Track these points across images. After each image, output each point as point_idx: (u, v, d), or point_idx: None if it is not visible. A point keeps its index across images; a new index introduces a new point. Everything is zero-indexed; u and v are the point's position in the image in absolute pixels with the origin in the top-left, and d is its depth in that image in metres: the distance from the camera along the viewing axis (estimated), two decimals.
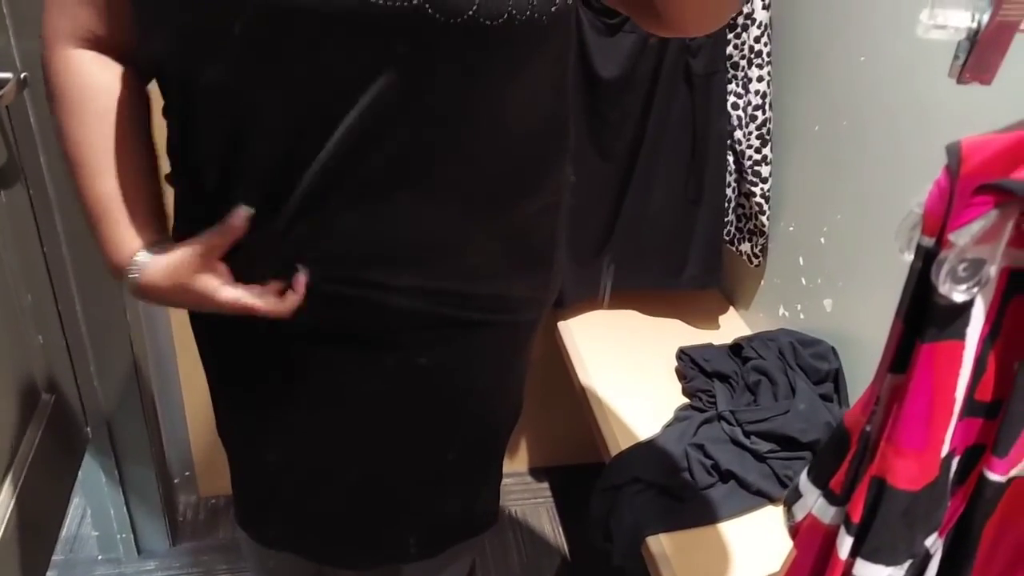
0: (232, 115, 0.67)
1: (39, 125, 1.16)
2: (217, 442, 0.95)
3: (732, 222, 1.38)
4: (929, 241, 0.51)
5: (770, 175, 1.31)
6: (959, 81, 0.47)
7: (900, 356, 0.54)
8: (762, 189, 1.31)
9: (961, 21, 0.46)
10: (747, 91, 1.28)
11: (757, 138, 1.29)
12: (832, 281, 1.26)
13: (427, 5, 0.59)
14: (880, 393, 0.55)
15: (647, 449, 1.22)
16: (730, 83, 1.30)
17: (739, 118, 1.30)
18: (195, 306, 0.75)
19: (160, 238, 0.74)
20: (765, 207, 1.33)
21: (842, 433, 0.59)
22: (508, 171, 0.74)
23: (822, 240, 1.27)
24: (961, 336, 0.50)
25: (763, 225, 1.34)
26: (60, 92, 0.72)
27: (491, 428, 0.98)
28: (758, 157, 1.30)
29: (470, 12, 0.59)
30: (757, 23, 1.24)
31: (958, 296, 0.49)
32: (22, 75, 1.12)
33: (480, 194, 0.73)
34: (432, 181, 0.70)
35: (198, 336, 0.89)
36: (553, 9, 0.63)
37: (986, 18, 0.45)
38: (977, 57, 0.47)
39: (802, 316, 1.33)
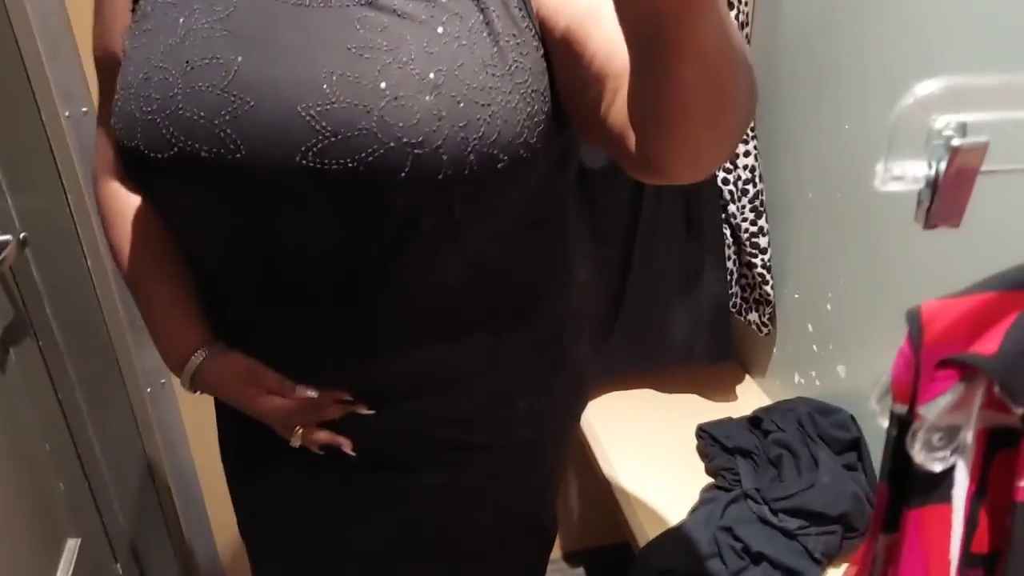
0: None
1: (43, 280, 1.14)
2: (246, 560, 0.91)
3: (737, 293, 1.33)
4: (901, 408, 0.48)
5: (769, 245, 1.27)
6: (926, 227, 0.45)
7: (890, 517, 0.50)
8: (763, 260, 1.27)
9: (918, 170, 0.44)
10: (735, 166, 1.24)
11: (751, 211, 1.25)
12: (843, 347, 1.21)
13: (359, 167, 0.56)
14: (876, 552, 0.51)
15: (676, 537, 1.16)
16: None
17: (731, 192, 1.26)
18: (245, 403, 0.75)
19: (212, 337, 0.75)
20: (768, 276, 1.28)
21: None
22: (483, 307, 0.71)
23: (828, 307, 1.22)
24: (947, 499, 0.47)
25: (768, 294, 1.29)
26: (106, 217, 0.76)
27: (520, 550, 0.92)
28: (754, 229, 1.26)
29: (403, 173, 0.56)
30: None
31: (936, 465, 0.46)
32: (21, 235, 1.10)
33: (460, 330, 0.71)
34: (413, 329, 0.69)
35: (223, 441, 0.87)
36: (499, 165, 0.58)
37: (943, 166, 0.41)
38: (941, 203, 0.44)
39: (818, 383, 1.27)
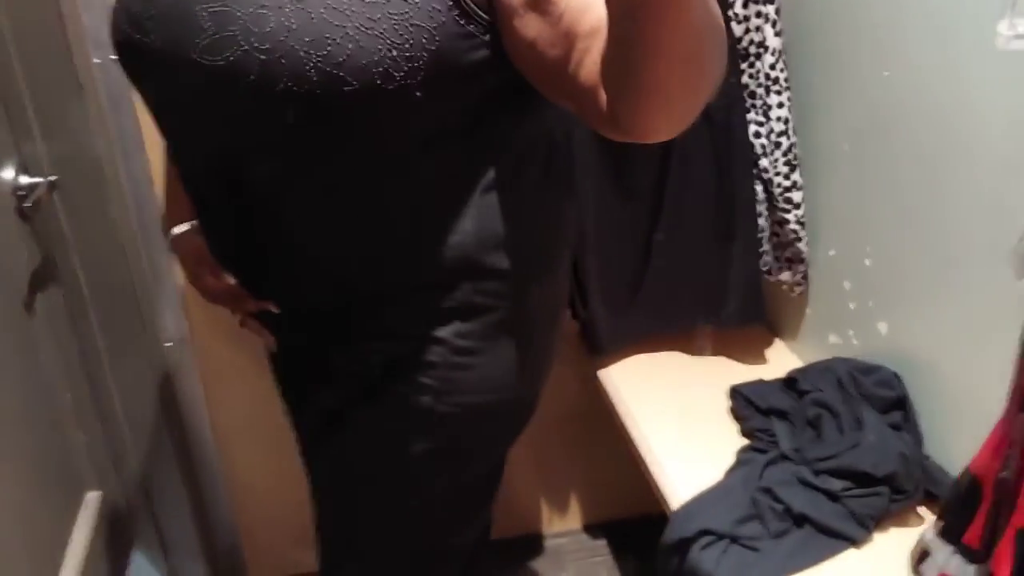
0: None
1: (70, 226, 1.13)
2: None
3: (768, 252, 1.29)
4: None
5: (802, 200, 1.22)
6: None
7: None
8: (796, 216, 1.22)
9: None
10: (768, 119, 1.21)
11: (785, 164, 1.21)
12: (885, 303, 1.15)
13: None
14: (1013, 435, 0.45)
15: (712, 498, 1.10)
16: (749, 112, 1.22)
17: (763, 146, 1.22)
18: (191, 277, 0.94)
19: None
20: (801, 233, 1.23)
21: (970, 482, 0.48)
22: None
23: (867, 262, 1.17)
24: None
25: (801, 252, 1.24)
26: None
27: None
28: (787, 184, 1.22)
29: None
30: (770, 50, 1.17)
31: None
32: (51, 179, 1.09)
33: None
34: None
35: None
36: (346, 88, 0.58)
37: None
38: None
39: (855, 342, 1.22)
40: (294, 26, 0.57)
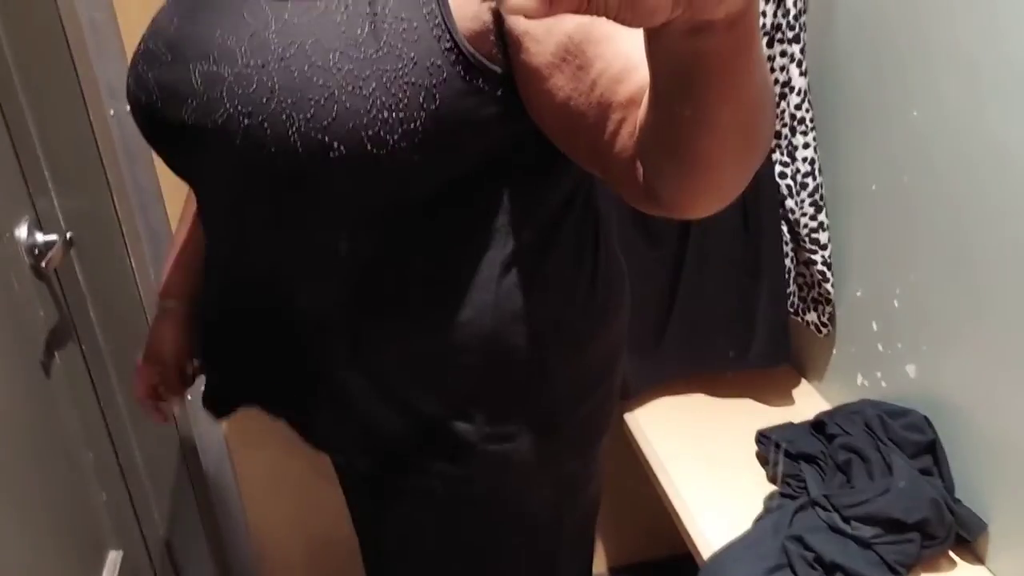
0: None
1: (87, 282, 1.11)
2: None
3: (794, 292, 1.27)
4: None
5: (829, 241, 1.21)
6: None
7: None
8: (823, 256, 1.21)
9: None
10: (794, 159, 1.19)
11: (811, 205, 1.20)
12: (914, 345, 1.14)
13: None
14: None
15: (743, 548, 1.09)
16: (774, 152, 1.21)
17: (789, 187, 1.21)
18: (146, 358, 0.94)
19: (180, 293, 0.89)
20: (828, 274, 1.22)
21: None
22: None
23: (896, 303, 1.15)
24: None
25: (828, 293, 1.23)
26: None
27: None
28: (814, 224, 1.20)
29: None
30: (796, 90, 1.16)
31: None
32: (68, 235, 1.07)
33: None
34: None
35: None
36: (332, 154, 0.53)
37: None
38: None
39: (884, 384, 1.20)
40: (277, 87, 0.53)
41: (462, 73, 0.53)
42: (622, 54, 0.50)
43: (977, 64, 0.95)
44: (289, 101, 0.52)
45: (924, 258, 1.09)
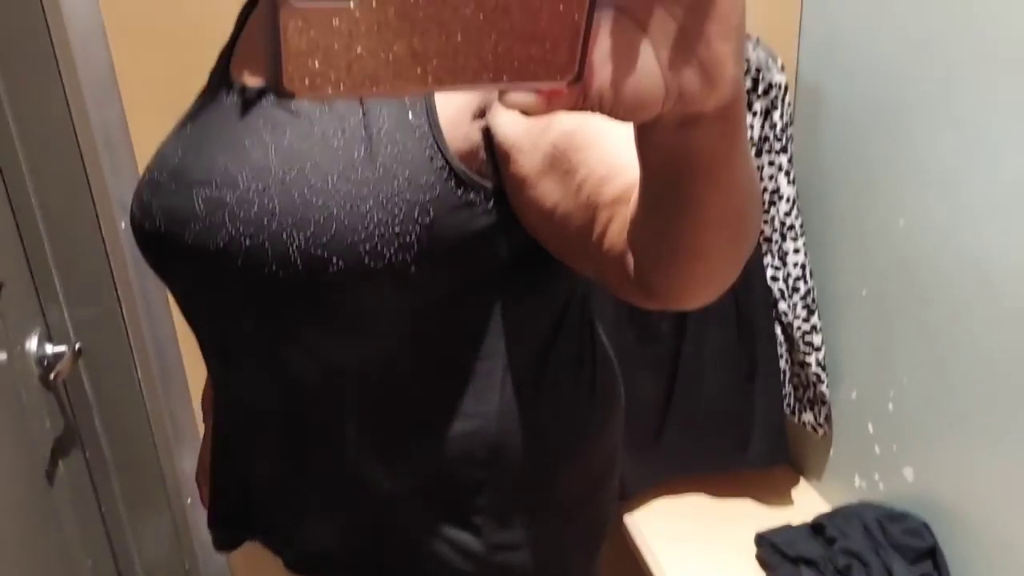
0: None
1: (94, 391, 1.13)
2: None
3: (790, 393, 1.29)
4: None
5: (823, 343, 1.23)
6: None
7: None
8: (816, 358, 1.23)
9: None
10: (785, 264, 1.22)
11: (803, 308, 1.22)
12: (909, 448, 1.15)
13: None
14: None
15: None
16: (766, 256, 1.24)
17: (781, 290, 1.23)
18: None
19: None
20: (823, 375, 1.24)
21: None
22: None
23: (890, 406, 1.17)
24: None
25: (823, 394, 1.24)
26: None
27: None
28: (807, 327, 1.22)
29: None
30: (785, 198, 1.20)
31: None
32: (76, 346, 1.09)
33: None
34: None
35: None
36: (331, 269, 0.56)
37: None
38: None
39: (881, 487, 1.21)
40: (277, 208, 0.56)
41: (454, 189, 0.57)
42: (605, 158, 0.52)
43: (959, 181, 0.98)
44: (290, 221, 0.55)
45: (914, 362, 1.11)
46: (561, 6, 0.28)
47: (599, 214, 0.52)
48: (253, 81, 0.65)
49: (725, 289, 0.50)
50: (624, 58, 0.30)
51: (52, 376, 1.05)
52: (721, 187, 0.40)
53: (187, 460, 1.21)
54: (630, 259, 0.50)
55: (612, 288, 0.54)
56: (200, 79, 0.73)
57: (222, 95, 0.66)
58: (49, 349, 1.07)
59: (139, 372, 1.13)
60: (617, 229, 0.51)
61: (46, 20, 1.08)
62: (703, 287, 0.48)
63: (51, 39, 1.06)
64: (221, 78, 0.69)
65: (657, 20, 0.30)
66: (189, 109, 0.71)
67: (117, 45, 1.11)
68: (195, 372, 1.20)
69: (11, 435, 0.96)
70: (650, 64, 0.31)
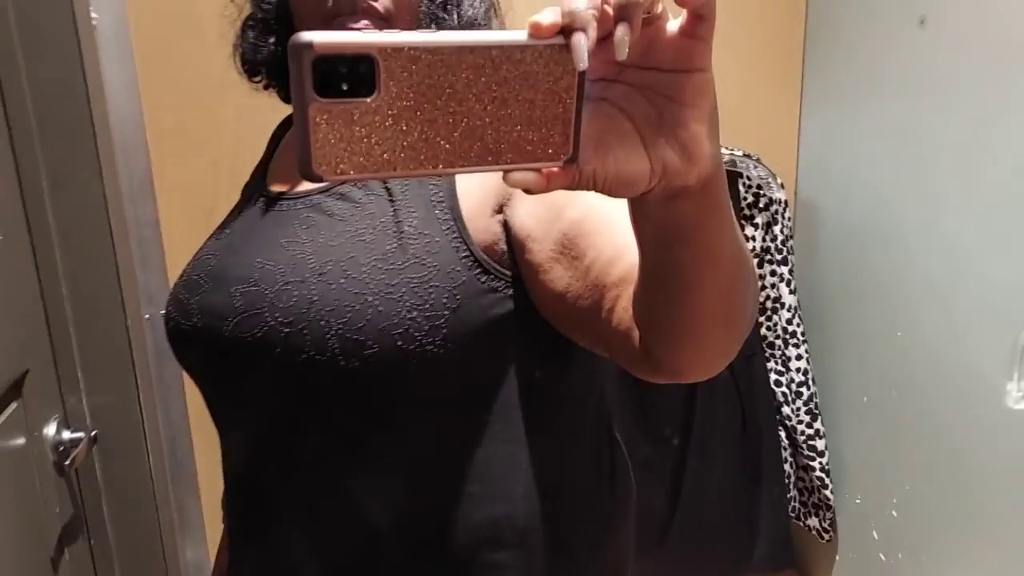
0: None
1: (105, 478, 1.13)
2: None
3: (795, 497, 1.29)
4: None
5: (826, 448, 1.24)
6: None
7: None
8: (820, 463, 1.24)
9: None
10: (787, 369, 1.25)
11: (806, 413, 1.24)
12: (915, 557, 1.15)
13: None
14: None
15: None
16: (769, 361, 1.27)
17: (784, 395, 1.26)
18: None
19: None
20: (827, 480, 1.24)
21: None
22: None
23: (894, 513, 1.17)
24: None
25: (827, 499, 1.25)
26: None
27: None
28: (810, 432, 1.24)
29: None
30: (786, 306, 1.24)
31: None
32: (92, 433, 1.11)
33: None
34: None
35: None
36: (367, 352, 0.59)
37: None
38: None
39: None
40: (315, 298, 0.60)
41: (478, 276, 0.62)
42: (611, 242, 0.56)
43: (948, 296, 1.03)
44: (327, 309, 0.59)
45: (917, 470, 1.12)
46: (553, 97, 0.32)
47: (607, 293, 0.56)
48: (284, 189, 0.70)
49: (725, 363, 0.53)
50: (613, 140, 0.34)
51: (67, 462, 1.06)
52: (709, 254, 0.43)
53: (191, 550, 1.20)
54: (636, 334, 0.53)
55: (622, 363, 0.57)
56: (230, 187, 0.78)
57: (256, 203, 0.71)
58: (66, 435, 1.09)
59: (151, 460, 1.14)
60: (623, 306, 0.55)
61: (93, 123, 1.15)
62: (703, 359, 0.51)
63: (95, 141, 1.14)
64: (255, 189, 0.73)
65: (639, 107, 0.35)
66: (225, 219, 0.75)
67: (156, 150, 1.18)
68: (205, 464, 1.21)
69: (22, 520, 0.97)
70: (635, 145, 0.35)
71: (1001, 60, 0.94)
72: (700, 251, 0.43)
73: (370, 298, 0.59)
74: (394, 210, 0.63)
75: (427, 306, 0.60)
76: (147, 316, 1.17)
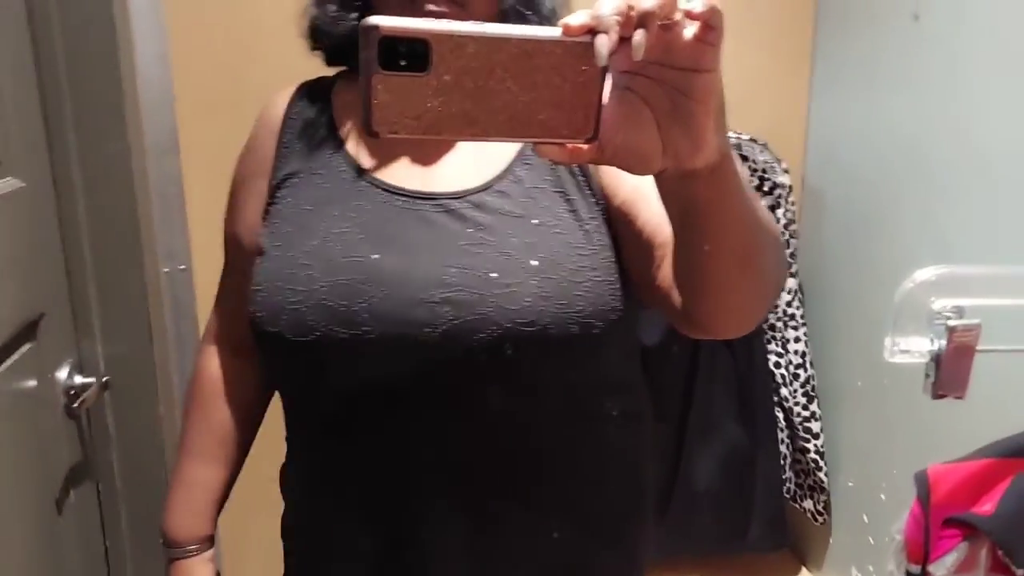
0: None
1: (115, 425, 1.15)
2: None
3: (791, 478, 1.30)
4: (916, 568, 0.49)
5: (821, 431, 1.26)
6: (934, 397, 0.49)
7: None
8: (815, 445, 1.25)
9: (922, 346, 0.50)
10: (786, 351, 1.27)
11: (803, 395, 1.26)
12: None
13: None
14: None
15: None
16: (769, 343, 1.29)
17: (783, 376, 1.28)
18: None
19: (207, 536, 0.82)
20: (821, 463, 1.26)
21: None
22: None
23: (882, 496, 1.18)
24: None
25: (822, 481, 1.26)
26: (193, 382, 0.84)
27: None
28: (806, 414, 1.26)
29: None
30: (787, 288, 1.26)
31: None
32: (104, 379, 1.13)
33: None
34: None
35: None
36: (595, 331, 0.62)
37: (944, 343, 0.47)
38: (945, 375, 0.50)
39: None
40: (549, 294, 0.62)
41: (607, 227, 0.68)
42: (655, 205, 0.60)
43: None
44: (562, 303, 0.62)
45: (903, 455, 1.13)
46: (579, 85, 0.37)
47: (655, 252, 0.63)
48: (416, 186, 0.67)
49: (755, 322, 0.60)
50: (632, 124, 0.40)
51: (76, 404, 1.08)
52: (723, 226, 0.49)
53: None
54: (675, 294, 0.60)
55: (670, 319, 0.64)
56: None
57: (383, 199, 0.67)
58: (78, 380, 1.11)
59: (161, 409, 1.16)
60: (667, 266, 0.61)
61: (120, 80, 1.18)
62: (729, 315, 0.58)
63: (123, 99, 1.17)
64: (349, 173, 0.68)
65: (657, 98, 0.40)
66: (319, 204, 0.67)
67: (183, 110, 1.21)
68: None
69: (28, 459, 0.98)
70: (651, 129, 0.40)
71: (1004, 48, 0.96)
72: (714, 224, 0.48)
73: (588, 284, 0.64)
74: (566, 199, 0.66)
75: (615, 278, 0.65)
76: (166, 270, 1.19)
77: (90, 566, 1.12)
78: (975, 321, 0.48)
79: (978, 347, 0.48)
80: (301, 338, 0.63)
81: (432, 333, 0.61)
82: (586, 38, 0.36)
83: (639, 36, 0.36)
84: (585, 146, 0.39)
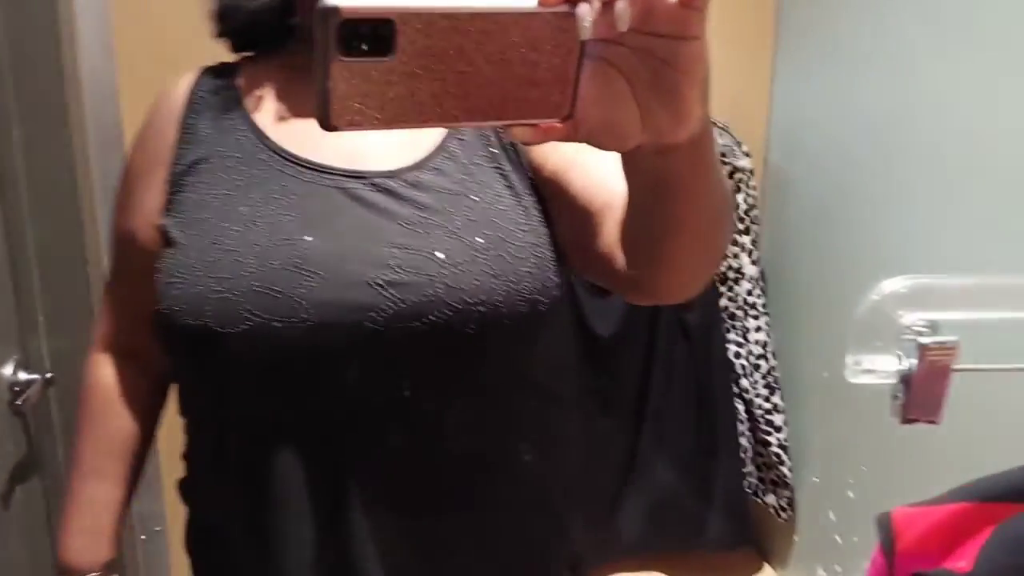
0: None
1: (60, 420, 1.15)
2: None
3: (753, 473, 1.26)
4: None
5: (784, 423, 1.21)
6: (903, 421, 0.42)
7: None
8: (778, 439, 1.20)
9: (889, 365, 0.43)
10: (747, 341, 1.22)
11: (764, 387, 1.21)
12: (870, 540, 1.10)
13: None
14: None
15: None
16: (729, 333, 1.24)
17: (743, 367, 1.23)
18: None
19: (110, 561, 0.74)
20: (784, 457, 1.21)
21: None
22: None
23: (850, 494, 1.13)
24: None
25: (785, 476, 1.21)
26: (84, 390, 0.79)
27: None
28: (768, 406, 1.21)
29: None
30: (747, 277, 1.21)
31: None
32: (48, 375, 1.13)
33: None
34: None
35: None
36: (540, 308, 0.60)
37: (915, 363, 0.40)
38: (916, 398, 0.43)
39: None
40: (498, 272, 0.60)
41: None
42: (587, 173, 0.61)
43: (916, 267, 0.99)
44: (512, 281, 0.61)
45: (872, 451, 1.07)
46: (555, 59, 0.34)
47: (591, 220, 0.60)
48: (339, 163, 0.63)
49: (700, 288, 0.58)
50: (608, 99, 0.36)
51: (21, 401, 1.08)
52: (694, 202, 0.46)
53: (144, 498, 1.21)
54: (618, 258, 0.57)
55: (610, 286, 0.61)
56: None
57: (305, 179, 0.63)
58: (22, 376, 1.11)
59: None
60: (606, 234, 0.58)
61: (63, 77, 1.18)
62: (682, 285, 0.56)
63: (66, 94, 1.16)
64: (262, 152, 0.65)
65: (635, 69, 0.36)
66: (230, 189, 0.64)
67: (127, 104, 1.20)
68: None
69: None
70: (628, 104, 0.36)
71: (970, 31, 0.90)
72: (686, 200, 0.46)
73: (534, 260, 0.62)
74: (501, 173, 0.64)
75: (553, 253, 0.63)
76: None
77: (36, 561, 1.12)
78: (952, 338, 0.43)
79: (955, 366, 0.41)
80: (230, 329, 0.58)
81: (377, 317, 0.58)
82: (564, 8, 0.33)
83: (622, 5, 0.33)
84: (559, 124, 0.36)
